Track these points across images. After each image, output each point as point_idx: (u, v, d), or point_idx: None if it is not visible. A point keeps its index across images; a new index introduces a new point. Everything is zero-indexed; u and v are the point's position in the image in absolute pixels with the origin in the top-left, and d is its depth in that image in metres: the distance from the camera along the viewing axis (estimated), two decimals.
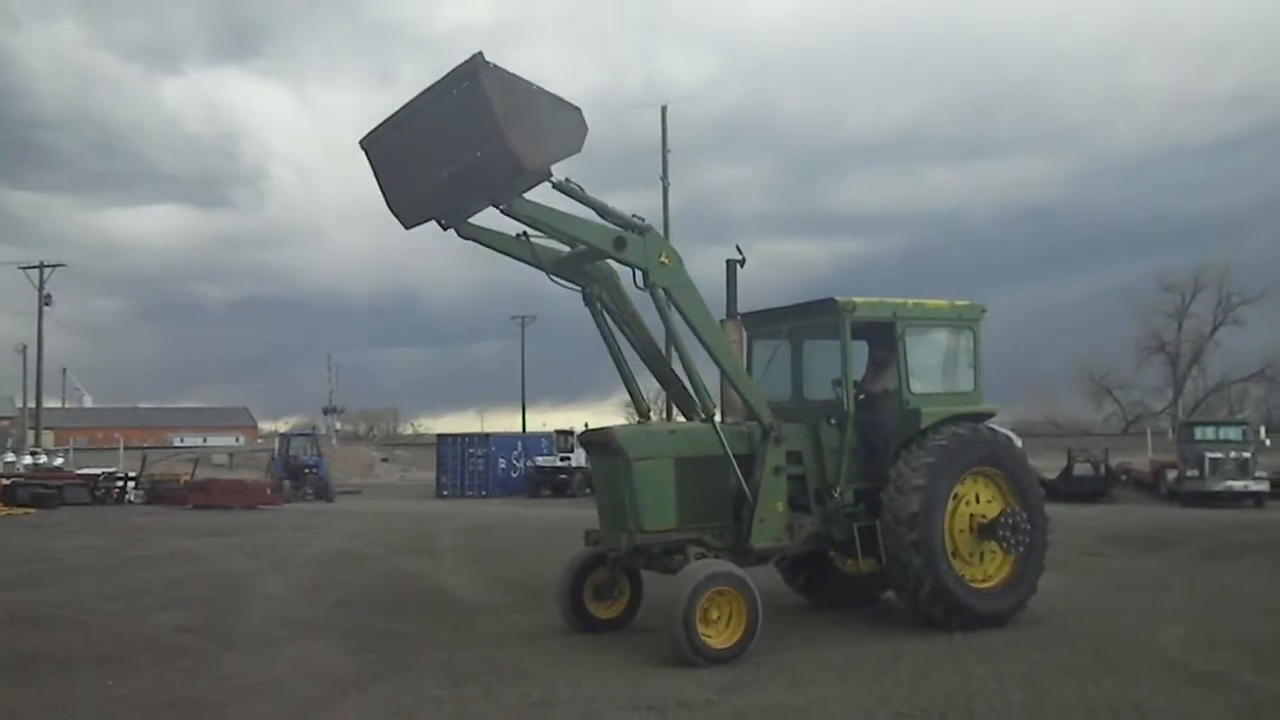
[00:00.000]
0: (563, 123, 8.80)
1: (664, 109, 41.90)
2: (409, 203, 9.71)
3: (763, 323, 11.52)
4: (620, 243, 9.34)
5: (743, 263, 11.18)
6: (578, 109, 8.85)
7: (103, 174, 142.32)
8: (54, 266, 57.50)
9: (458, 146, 8.87)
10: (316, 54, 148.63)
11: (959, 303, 11.16)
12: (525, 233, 9.70)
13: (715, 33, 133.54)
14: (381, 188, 9.84)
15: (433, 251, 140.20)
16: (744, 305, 11.50)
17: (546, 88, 8.75)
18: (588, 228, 9.33)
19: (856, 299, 10.51)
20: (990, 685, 8.12)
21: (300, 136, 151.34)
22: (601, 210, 9.44)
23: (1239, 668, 8.61)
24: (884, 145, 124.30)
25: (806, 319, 11.09)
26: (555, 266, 10.07)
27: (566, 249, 10.02)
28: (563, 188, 9.21)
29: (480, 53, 8.33)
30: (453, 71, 8.70)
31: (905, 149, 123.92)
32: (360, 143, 9.86)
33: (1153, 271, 76.00)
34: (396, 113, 9.52)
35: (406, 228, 9.88)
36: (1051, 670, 8.59)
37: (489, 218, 9.62)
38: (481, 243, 9.74)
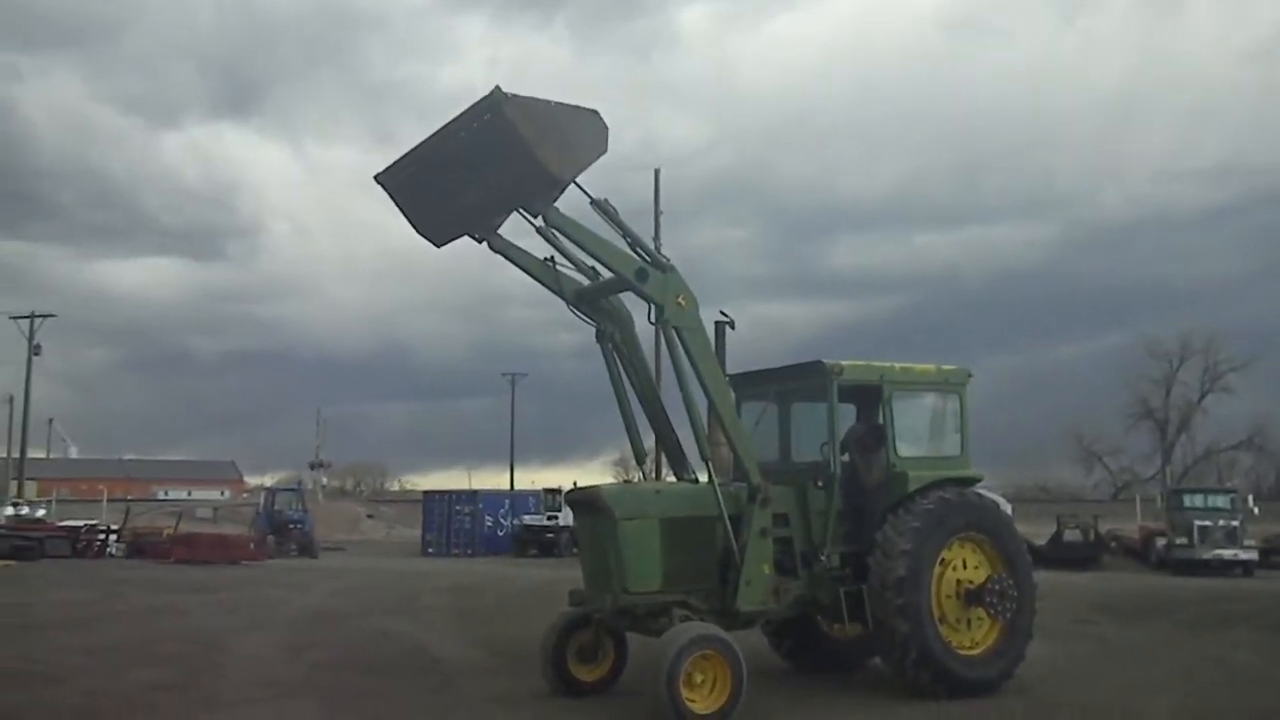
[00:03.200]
0: (586, 130, 9.11)
1: (657, 171, 42.26)
2: (437, 226, 10.11)
3: (750, 384, 11.56)
4: (642, 274, 9.49)
5: (732, 324, 11.28)
6: (595, 112, 9.13)
7: (98, 225, 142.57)
8: (45, 317, 57.46)
9: (488, 173, 9.23)
10: (314, 112, 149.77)
11: (946, 367, 11.23)
12: (552, 258, 9.96)
13: (709, 97, 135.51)
14: (406, 215, 10.20)
15: (424, 308, 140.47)
16: (735, 367, 11.55)
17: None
18: (614, 252, 9.54)
19: (844, 362, 10.57)
20: None
21: (296, 192, 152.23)
22: (632, 239, 9.63)
23: None
24: (874, 209, 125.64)
25: (794, 381, 11.14)
26: (575, 297, 10.27)
27: (587, 281, 10.22)
28: (602, 208, 9.44)
29: (497, 86, 8.62)
30: (471, 108, 9.00)
31: (895, 213, 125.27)
32: (376, 178, 10.13)
33: (1140, 338, 76.63)
34: (413, 149, 9.78)
35: (438, 246, 10.28)
36: None
37: (515, 231, 9.93)
38: (509, 258, 10.00)
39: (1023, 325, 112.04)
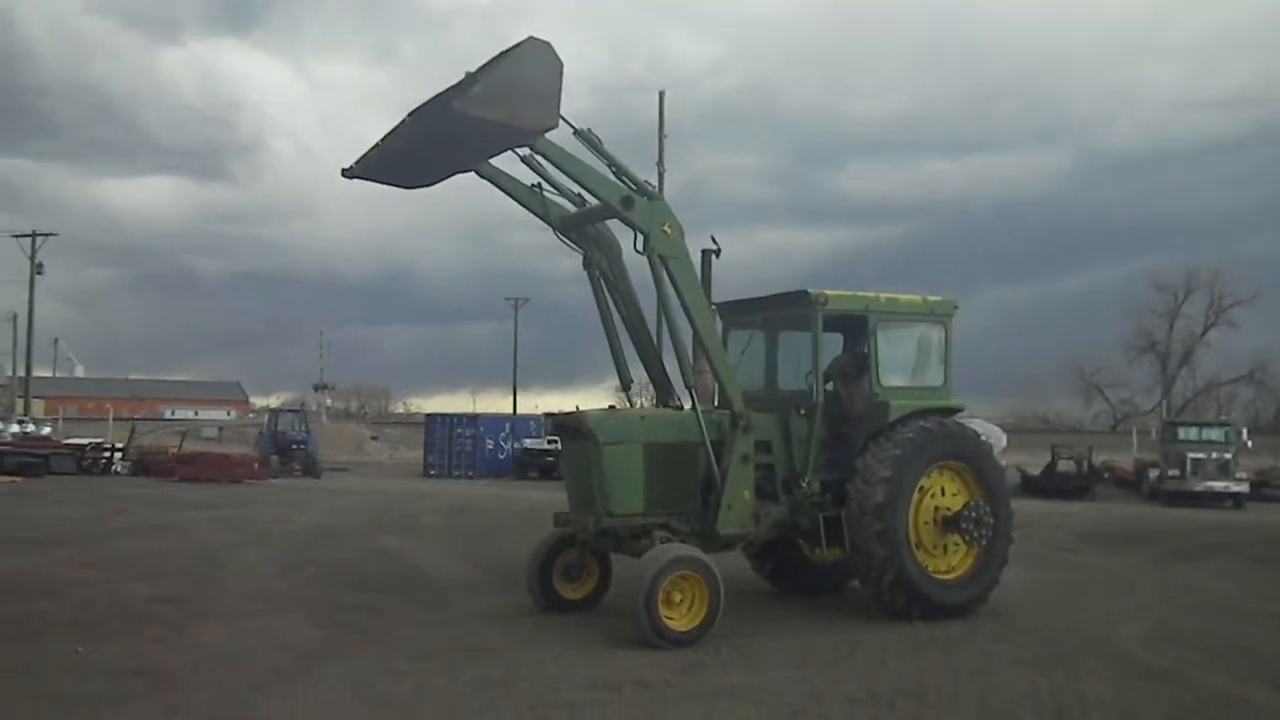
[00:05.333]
0: (539, 66, 8.81)
1: (661, 94, 41.78)
2: (424, 176, 10.19)
3: (738, 313, 11.65)
4: (628, 201, 9.50)
5: (718, 253, 11.31)
6: (529, 39, 8.82)
7: (99, 143, 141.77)
8: (46, 235, 57.34)
9: (473, 146, 9.34)
10: (316, 27, 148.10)
11: (932, 298, 11.29)
12: (540, 185, 10.01)
13: (719, 16, 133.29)
14: (390, 185, 10.30)
15: (429, 230, 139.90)
16: (742, 293, 11.64)
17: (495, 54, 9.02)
18: (599, 179, 9.53)
19: (829, 292, 10.64)
20: (943, 674, 8.30)
21: (298, 110, 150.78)
22: (617, 168, 9.63)
23: (1189, 664, 8.78)
24: (884, 135, 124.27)
25: (780, 310, 11.22)
26: (562, 224, 10.31)
27: (574, 208, 10.26)
28: (585, 137, 9.47)
29: (448, 101, 8.60)
30: (432, 114, 9.06)
31: (906, 139, 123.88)
32: (344, 174, 10.08)
33: (1146, 270, 76.37)
34: (381, 142, 9.83)
35: (430, 186, 10.38)
36: (1005, 661, 8.77)
37: (502, 158, 9.92)
38: (497, 184, 10.03)
39: (1030, 255, 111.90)
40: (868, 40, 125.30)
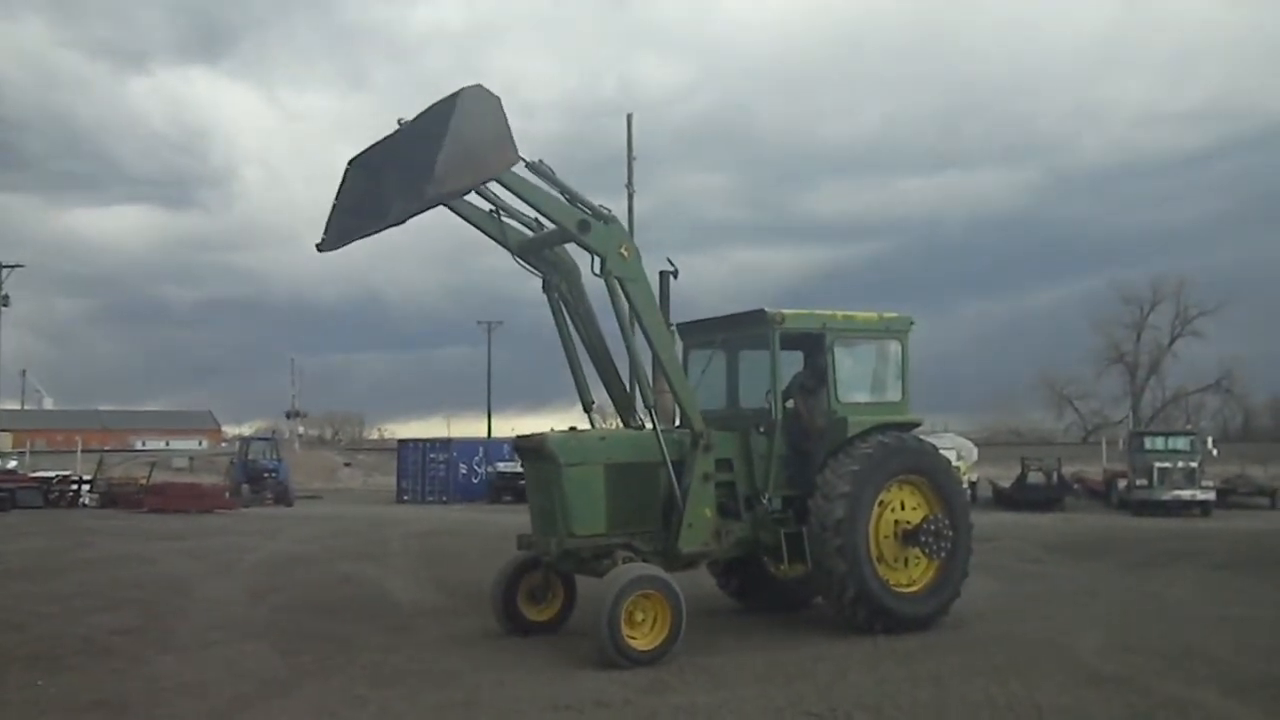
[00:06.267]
0: (482, 113, 8.89)
1: (629, 117, 42.00)
2: (394, 216, 9.95)
3: (697, 333, 11.74)
4: (584, 225, 9.61)
5: (676, 274, 11.42)
6: (462, 90, 8.93)
7: (68, 173, 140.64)
8: (13, 267, 56.78)
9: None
10: (287, 55, 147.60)
11: (888, 314, 11.45)
12: (497, 210, 10.06)
13: (690, 39, 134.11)
14: (366, 235, 10.18)
15: (401, 255, 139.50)
16: (715, 312, 11.78)
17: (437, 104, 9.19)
18: (556, 204, 9.63)
19: (786, 311, 10.77)
20: (902, 686, 8.38)
21: (269, 138, 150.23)
22: (571, 195, 9.73)
23: (1145, 671, 8.90)
24: (856, 154, 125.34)
25: (739, 330, 11.34)
26: (520, 248, 10.35)
27: (531, 233, 10.31)
28: (537, 169, 9.53)
29: (422, 191, 8.81)
30: (402, 184, 9.31)
31: (877, 158, 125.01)
32: (319, 249, 10.26)
33: (1115, 283, 77.44)
34: (335, 206, 10.13)
35: (402, 223, 10.12)
36: (963, 672, 8.85)
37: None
38: (456, 211, 10.01)
39: (1001, 271, 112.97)
40: (837, 61, 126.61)
